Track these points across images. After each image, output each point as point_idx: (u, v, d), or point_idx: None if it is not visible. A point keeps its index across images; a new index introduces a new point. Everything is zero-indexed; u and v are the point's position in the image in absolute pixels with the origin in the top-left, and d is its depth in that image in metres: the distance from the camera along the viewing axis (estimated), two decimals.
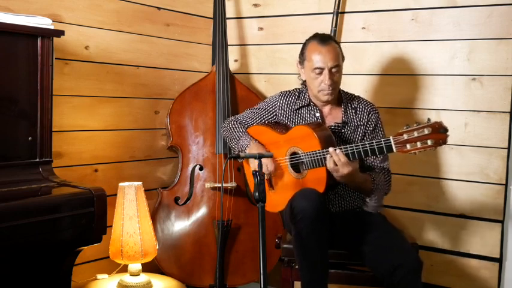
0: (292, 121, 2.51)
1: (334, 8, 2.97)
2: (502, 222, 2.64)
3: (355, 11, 2.97)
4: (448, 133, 1.98)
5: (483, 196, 2.67)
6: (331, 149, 2.17)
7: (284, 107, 2.53)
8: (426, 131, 1.97)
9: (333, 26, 2.96)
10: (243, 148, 2.53)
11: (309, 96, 2.50)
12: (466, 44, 2.68)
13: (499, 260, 2.65)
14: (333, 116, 2.48)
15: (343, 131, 2.44)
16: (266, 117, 2.59)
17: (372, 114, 2.46)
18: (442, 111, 2.76)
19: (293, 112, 2.51)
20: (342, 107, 2.47)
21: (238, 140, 2.56)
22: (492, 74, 2.63)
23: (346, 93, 2.53)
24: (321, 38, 2.40)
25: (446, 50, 2.73)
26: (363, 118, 2.45)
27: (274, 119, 2.58)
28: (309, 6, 3.12)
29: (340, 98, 2.49)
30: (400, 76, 2.87)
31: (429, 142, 1.96)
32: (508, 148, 2.61)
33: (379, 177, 2.37)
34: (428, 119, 1.98)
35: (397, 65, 2.87)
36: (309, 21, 3.12)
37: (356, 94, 2.54)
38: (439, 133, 1.96)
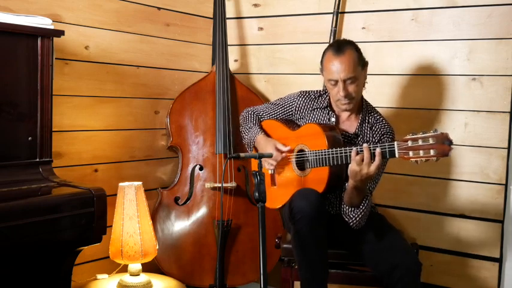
0: (306, 122, 2.49)
1: (334, 8, 2.97)
2: (502, 222, 2.63)
3: (355, 11, 2.97)
4: (452, 146, 1.93)
5: (483, 196, 2.67)
6: (365, 145, 2.08)
7: (301, 107, 2.51)
8: (431, 141, 1.93)
9: (333, 26, 2.96)
10: (251, 138, 2.56)
11: (329, 100, 2.45)
12: (466, 44, 2.68)
13: (499, 260, 2.65)
14: (348, 125, 2.42)
15: (352, 142, 2.39)
16: (282, 114, 2.58)
17: (385, 138, 2.37)
18: (442, 111, 2.76)
19: (308, 112, 2.49)
20: (359, 118, 2.41)
21: (249, 130, 2.61)
22: (492, 74, 2.62)
23: (368, 105, 2.45)
24: (336, 47, 2.30)
25: (446, 50, 2.72)
26: (375, 137, 2.38)
27: (290, 117, 2.58)
28: (309, 6, 3.12)
29: (361, 109, 2.42)
30: (400, 76, 2.87)
31: (432, 152, 1.93)
32: (508, 148, 2.61)
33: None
34: (435, 130, 1.96)
35: (397, 65, 2.87)
36: (309, 21, 3.12)
37: (378, 110, 2.47)
38: (443, 144, 1.92)
